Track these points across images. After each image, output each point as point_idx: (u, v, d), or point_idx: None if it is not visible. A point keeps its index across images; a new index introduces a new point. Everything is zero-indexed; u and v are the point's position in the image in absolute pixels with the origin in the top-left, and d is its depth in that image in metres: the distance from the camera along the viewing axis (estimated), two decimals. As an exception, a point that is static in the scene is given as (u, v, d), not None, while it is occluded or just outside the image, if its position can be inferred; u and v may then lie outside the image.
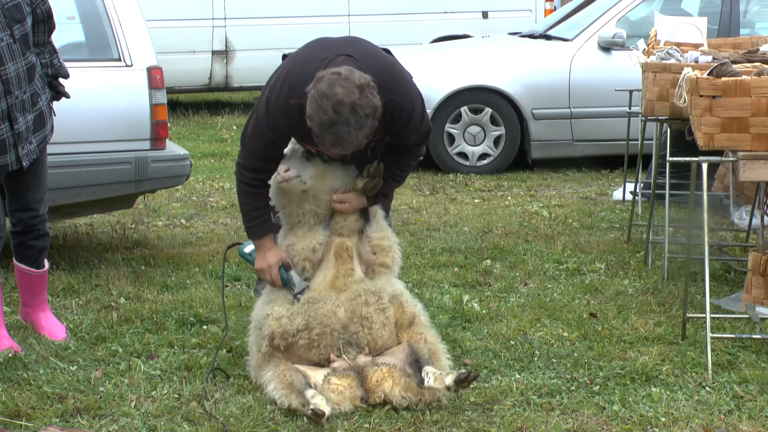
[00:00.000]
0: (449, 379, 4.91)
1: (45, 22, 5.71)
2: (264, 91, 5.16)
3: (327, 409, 4.79)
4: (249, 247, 5.40)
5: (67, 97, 5.92)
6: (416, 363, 5.02)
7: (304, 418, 4.85)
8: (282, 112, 4.99)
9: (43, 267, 5.95)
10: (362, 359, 5.10)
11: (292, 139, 5.22)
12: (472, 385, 5.07)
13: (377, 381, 5.00)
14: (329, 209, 5.24)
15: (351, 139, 4.79)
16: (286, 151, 5.23)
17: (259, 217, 5.24)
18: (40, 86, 5.70)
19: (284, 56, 5.42)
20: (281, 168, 5.18)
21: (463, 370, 4.97)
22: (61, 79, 5.88)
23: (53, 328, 5.94)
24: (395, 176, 5.38)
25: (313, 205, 5.25)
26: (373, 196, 5.29)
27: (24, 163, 5.64)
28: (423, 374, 4.96)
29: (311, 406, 4.78)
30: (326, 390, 4.92)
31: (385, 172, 5.29)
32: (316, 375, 5.01)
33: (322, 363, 5.11)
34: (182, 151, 7.41)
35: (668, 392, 5.20)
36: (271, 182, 5.28)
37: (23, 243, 5.87)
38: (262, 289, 5.48)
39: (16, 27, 5.53)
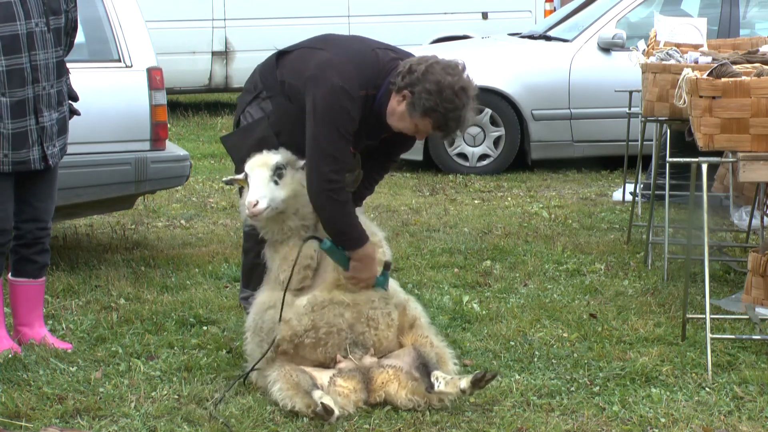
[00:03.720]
0: (464, 382, 4.87)
1: (69, 34, 5.70)
2: (314, 89, 5.02)
3: (336, 409, 4.78)
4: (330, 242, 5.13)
5: (78, 114, 5.85)
6: (424, 367, 5.00)
7: (304, 418, 4.85)
8: (360, 103, 5.05)
9: (41, 277, 5.80)
10: (368, 360, 5.08)
11: (257, 168, 5.13)
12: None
13: (382, 383, 4.98)
14: (315, 218, 5.22)
15: (468, 121, 5.05)
16: (251, 180, 5.12)
17: (358, 224, 5.10)
18: (65, 91, 5.68)
19: (279, 52, 5.41)
20: (250, 202, 5.06)
21: (479, 371, 4.95)
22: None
23: (56, 341, 5.79)
24: (372, 181, 5.43)
25: (299, 221, 5.20)
26: (353, 199, 5.28)
27: (50, 163, 5.57)
28: (432, 379, 4.94)
29: (321, 402, 4.75)
30: (332, 392, 4.91)
31: (365, 178, 5.33)
32: (322, 376, 5.00)
33: (328, 363, 5.10)
34: (182, 152, 7.41)
35: (668, 393, 5.20)
36: (242, 213, 5.23)
37: (25, 257, 5.71)
38: (251, 298, 5.43)
39: (52, 18, 5.53)
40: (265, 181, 5.11)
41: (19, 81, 5.45)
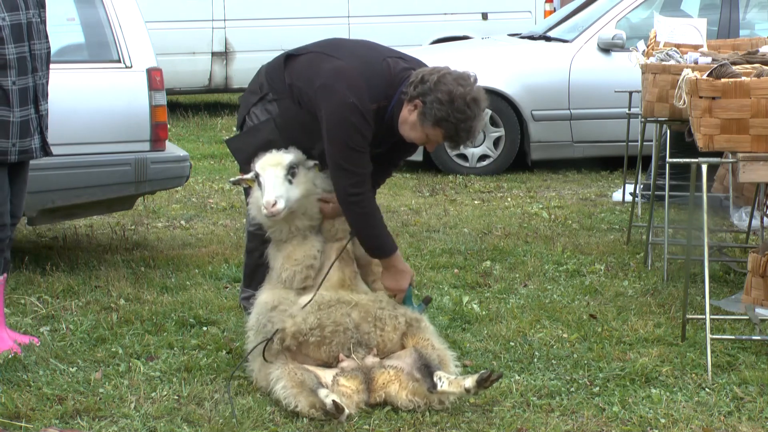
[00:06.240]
0: (469, 382, 4.86)
1: None
2: (325, 101, 5.05)
3: (347, 407, 4.77)
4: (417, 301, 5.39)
5: None
6: (426, 368, 5.00)
7: (304, 419, 4.85)
8: (371, 116, 5.06)
9: (5, 273, 5.73)
10: (370, 360, 5.08)
11: (270, 167, 5.15)
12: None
13: (383, 383, 4.98)
14: (320, 217, 5.23)
15: (478, 130, 5.07)
16: (265, 180, 5.14)
17: (384, 234, 5.19)
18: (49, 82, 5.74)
19: (287, 54, 5.40)
20: (268, 201, 5.08)
21: (484, 370, 4.94)
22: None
23: (19, 336, 5.77)
24: (374, 185, 5.43)
25: (307, 221, 5.22)
26: None
27: (48, 151, 5.63)
28: (435, 379, 4.93)
29: (333, 399, 4.74)
30: (335, 391, 4.91)
31: None
32: (326, 375, 5.00)
33: (330, 362, 5.09)
34: (182, 153, 7.41)
35: (668, 393, 5.20)
36: (259, 214, 5.23)
37: None
38: (251, 298, 5.43)
39: (42, 10, 5.64)
40: (280, 180, 5.13)
41: (24, 69, 5.53)
